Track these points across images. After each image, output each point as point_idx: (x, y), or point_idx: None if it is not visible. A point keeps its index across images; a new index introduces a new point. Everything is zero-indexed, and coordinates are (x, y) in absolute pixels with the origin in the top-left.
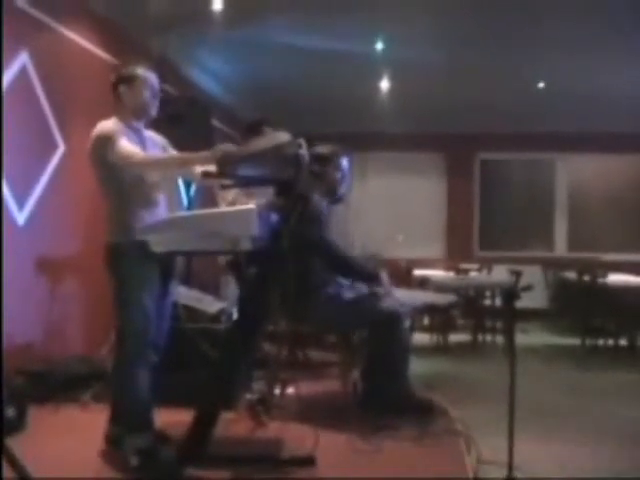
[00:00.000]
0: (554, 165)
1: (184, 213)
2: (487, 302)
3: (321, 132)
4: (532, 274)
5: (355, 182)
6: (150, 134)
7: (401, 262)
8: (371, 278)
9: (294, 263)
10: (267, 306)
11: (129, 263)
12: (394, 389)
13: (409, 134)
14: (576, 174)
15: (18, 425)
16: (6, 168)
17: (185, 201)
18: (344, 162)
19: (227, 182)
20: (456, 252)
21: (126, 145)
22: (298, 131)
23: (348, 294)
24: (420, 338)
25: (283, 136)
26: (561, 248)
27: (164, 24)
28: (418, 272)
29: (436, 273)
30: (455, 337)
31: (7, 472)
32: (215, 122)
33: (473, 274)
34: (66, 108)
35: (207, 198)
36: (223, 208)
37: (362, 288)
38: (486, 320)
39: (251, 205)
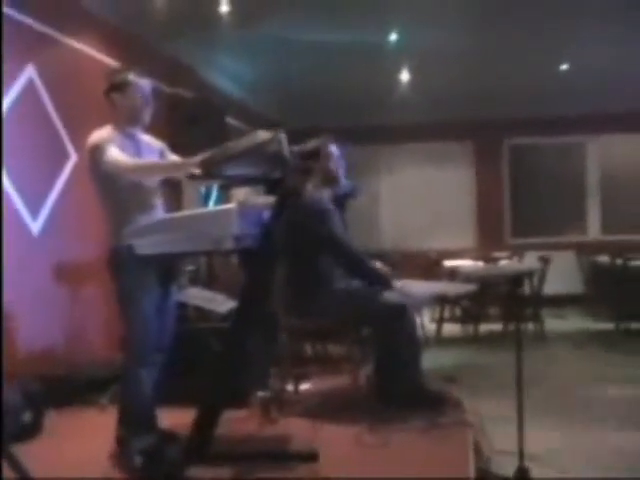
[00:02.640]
0: (584, 147)
1: (166, 215)
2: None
3: (343, 126)
4: (566, 259)
5: (383, 175)
6: (147, 139)
7: (431, 253)
8: (380, 281)
9: (295, 259)
10: (260, 303)
11: (124, 267)
12: (405, 382)
13: (434, 124)
14: (607, 155)
15: (34, 429)
16: (18, 180)
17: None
18: (333, 151)
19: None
20: (487, 241)
21: (114, 153)
22: (316, 126)
23: (352, 289)
24: (451, 328)
25: (262, 135)
26: (595, 232)
27: (175, 27)
28: (448, 263)
29: (465, 263)
30: (486, 327)
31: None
32: (231, 120)
33: (503, 262)
34: (77, 118)
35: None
36: (203, 209)
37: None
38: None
39: (231, 204)
